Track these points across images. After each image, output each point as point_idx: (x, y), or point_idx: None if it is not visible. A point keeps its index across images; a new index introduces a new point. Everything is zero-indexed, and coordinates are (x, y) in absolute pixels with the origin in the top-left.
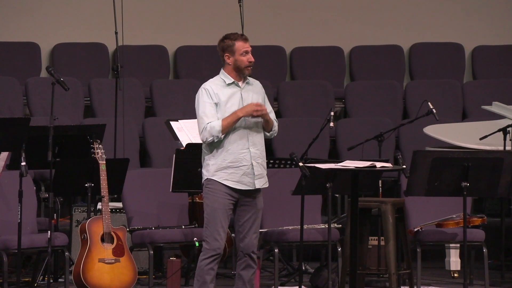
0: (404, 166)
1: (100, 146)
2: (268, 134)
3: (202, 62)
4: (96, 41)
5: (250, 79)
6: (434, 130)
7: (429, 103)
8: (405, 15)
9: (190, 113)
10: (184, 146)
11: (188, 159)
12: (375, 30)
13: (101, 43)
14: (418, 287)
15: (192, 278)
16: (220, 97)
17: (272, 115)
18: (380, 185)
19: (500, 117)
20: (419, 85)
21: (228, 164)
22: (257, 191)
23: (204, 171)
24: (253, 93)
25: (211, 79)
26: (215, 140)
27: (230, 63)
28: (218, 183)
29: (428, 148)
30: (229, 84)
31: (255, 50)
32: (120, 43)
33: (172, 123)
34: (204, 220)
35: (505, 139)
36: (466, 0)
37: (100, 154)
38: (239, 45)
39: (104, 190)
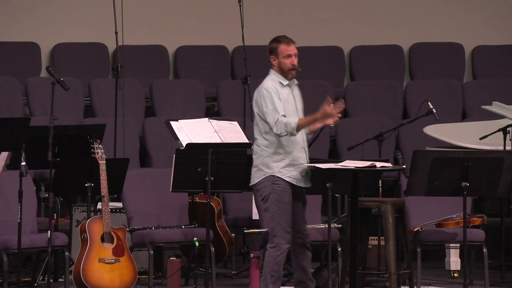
0: (404, 166)
1: (100, 146)
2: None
3: (202, 62)
4: (96, 41)
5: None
6: (434, 130)
7: (429, 103)
8: (405, 15)
9: (190, 113)
10: (184, 146)
11: (188, 159)
12: (375, 30)
13: (101, 43)
14: (418, 287)
15: (192, 278)
16: (281, 95)
17: None
18: (380, 185)
19: (500, 117)
20: (419, 85)
21: (290, 162)
22: (305, 189)
23: (265, 168)
24: (298, 95)
25: (267, 80)
26: (288, 136)
27: (275, 65)
28: (283, 180)
29: (428, 148)
30: (285, 85)
31: (255, 50)
32: (120, 43)
33: (172, 123)
34: (272, 215)
35: (505, 139)
36: (466, 0)
37: (100, 154)
38: (282, 48)
39: (104, 190)
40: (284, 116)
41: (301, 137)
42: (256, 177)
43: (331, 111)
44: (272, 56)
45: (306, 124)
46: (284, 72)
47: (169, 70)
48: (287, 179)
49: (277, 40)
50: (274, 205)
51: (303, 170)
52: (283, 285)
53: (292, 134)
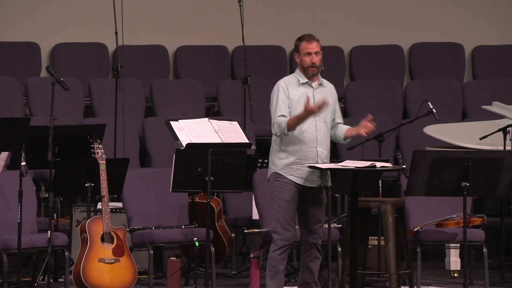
0: (404, 166)
1: (100, 146)
2: (345, 141)
3: (202, 62)
4: (96, 41)
5: (324, 81)
6: (434, 130)
7: (429, 103)
8: (405, 15)
9: (190, 113)
10: (184, 146)
11: (188, 159)
12: (375, 30)
13: (101, 43)
14: (418, 287)
15: (192, 278)
16: (292, 95)
17: (341, 120)
18: (380, 185)
19: (500, 117)
20: (419, 85)
21: (295, 161)
22: (320, 189)
23: (271, 165)
24: (325, 95)
25: (286, 77)
26: (283, 136)
27: (298, 63)
28: (285, 178)
29: (428, 148)
30: (302, 84)
31: (255, 50)
32: (120, 43)
33: (172, 123)
34: (274, 212)
35: (505, 139)
36: (466, 0)
37: (100, 154)
38: (303, 45)
39: (104, 190)
40: (284, 116)
41: (314, 136)
42: (268, 173)
43: (312, 108)
44: (296, 53)
45: (295, 123)
46: (304, 70)
47: (169, 70)
48: (289, 177)
49: (300, 38)
50: (275, 202)
51: (313, 170)
52: (284, 284)
53: (285, 134)
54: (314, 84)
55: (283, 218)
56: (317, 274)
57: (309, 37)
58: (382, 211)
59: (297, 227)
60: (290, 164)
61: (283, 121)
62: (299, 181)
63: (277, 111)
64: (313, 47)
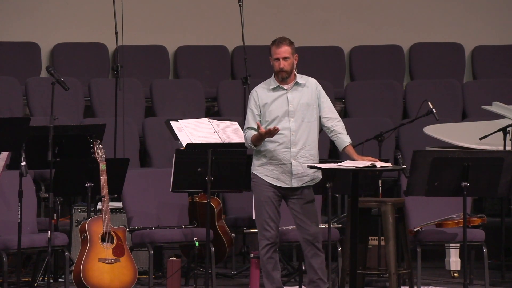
0: (404, 166)
1: (100, 146)
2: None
3: (202, 62)
4: (96, 41)
5: (305, 79)
6: (434, 130)
7: (429, 103)
8: (405, 15)
9: (190, 113)
10: (184, 146)
11: (188, 159)
12: (375, 30)
13: (101, 43)
14: (418, 287)
15: (192, 278)
16: (266, 100)
17: (332, 114)
18: (380, 185)
19: (500, 117)
20: (419, 85)
21: (268, 161)
22: (299, 188)
23: (252, 165)
24: (302, 94)
25: (262, 82)
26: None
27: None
28: (260, 178)
29: (428, 148)
30: (273, 88)
31: (255, 50)
32: (120, 43)
33: (172, 123)
34: (254, 213)
35: (505, 139)
36: (466, 0)
37: (100, 154)
38: (273, 50)
39: (104, 190)
40: (250, 128)
41: (288, 137)
42: None
43: (262, 133)
44: (270, 57)
45: (255, 141)
46: (276, 74)
47: (169, 70)
48: (264, 178)
49: (272, 42)
50: (254, 202)
51: (286, 170)
52: (284, 284)
53: (251, 148)
54: (287, 86)
55: (261, 219)
56: (322, 271)
57: (278, 42)
58: (382, 211)
59: (290, 227)
60: (264, 165)
61: (248, 137)
62: (273, 181)
63: (245, 123)
64: (281, 52)
